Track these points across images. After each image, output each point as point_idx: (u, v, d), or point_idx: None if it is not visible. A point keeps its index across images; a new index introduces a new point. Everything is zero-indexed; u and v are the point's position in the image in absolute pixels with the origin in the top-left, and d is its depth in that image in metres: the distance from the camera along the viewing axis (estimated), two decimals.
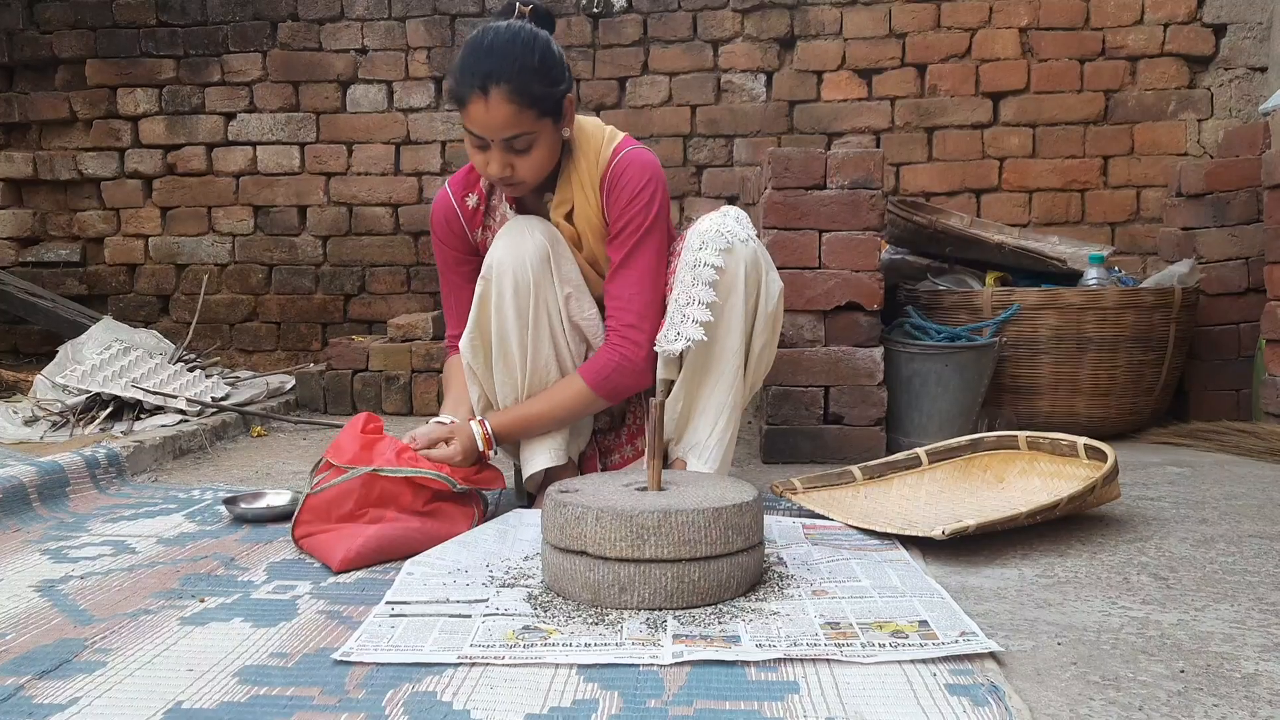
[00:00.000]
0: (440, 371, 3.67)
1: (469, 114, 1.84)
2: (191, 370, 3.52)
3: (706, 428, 1.98)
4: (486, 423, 1.97)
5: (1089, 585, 1.63)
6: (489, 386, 2.03)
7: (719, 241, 1.90)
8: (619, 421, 2.20)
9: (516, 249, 1.92)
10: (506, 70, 1.80)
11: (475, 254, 2.10)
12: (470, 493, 1.95)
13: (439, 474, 1.86)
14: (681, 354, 1.94)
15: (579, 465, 2.14)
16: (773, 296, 1.97)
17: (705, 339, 1.90)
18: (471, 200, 2.10)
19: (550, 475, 2.03)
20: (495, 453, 2.00)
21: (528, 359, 1.96)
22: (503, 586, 1.58)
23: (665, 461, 2.03)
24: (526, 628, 1.40)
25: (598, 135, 2.01)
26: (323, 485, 1.83)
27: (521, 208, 2.07)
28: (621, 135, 2.04)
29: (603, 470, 2.15)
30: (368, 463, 1.85)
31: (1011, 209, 4.08)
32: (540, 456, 2.02)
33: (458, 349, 2.07)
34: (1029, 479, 2.18)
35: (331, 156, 4.42)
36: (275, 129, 4.44)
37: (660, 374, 1.99)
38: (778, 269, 2.05)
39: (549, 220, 2.02)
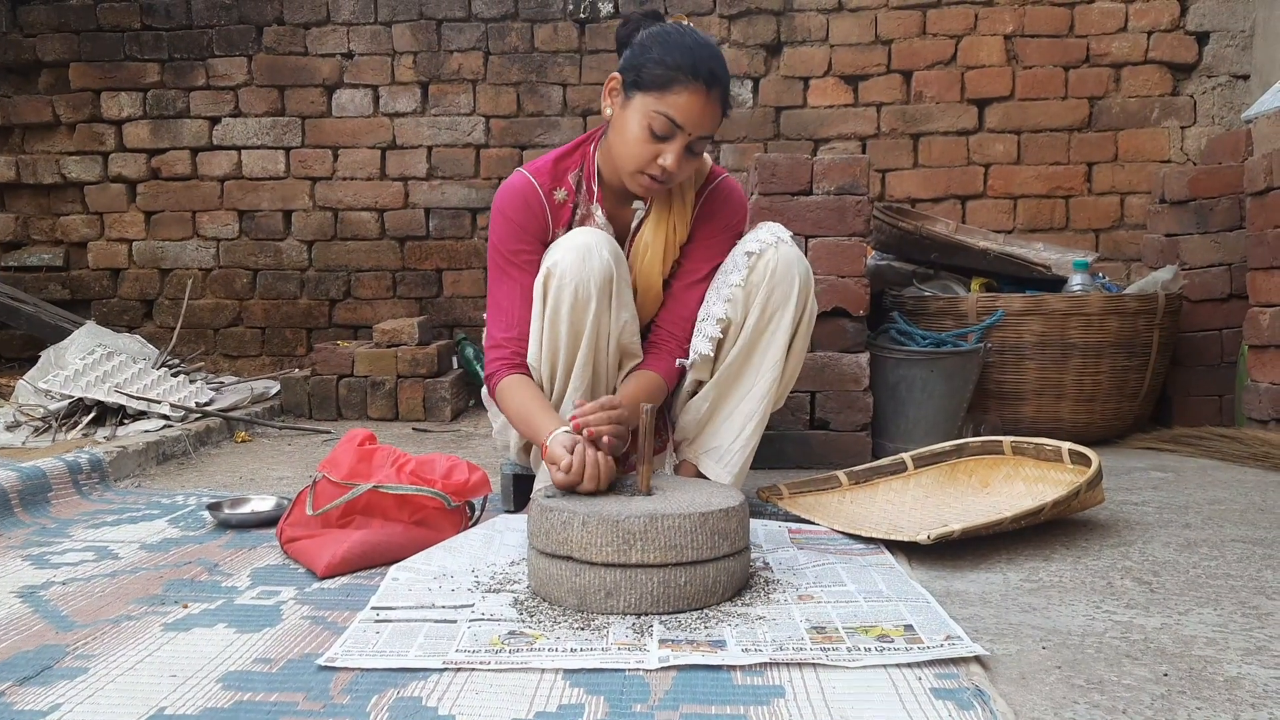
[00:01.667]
0: (428, 376, 3.68)
1: (679, 100, 1.79)
2: (175, 375, 3.50)
3: (732, 433, 1.97)
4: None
5: (1073, 589, 1.63)
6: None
7: (755, 246, 1.92)
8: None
9: (583, 263, 1.84)
10: (726, 73, 1.84)
11: (542, 245, 1.99)
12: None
13: (435, 491, 1.85)
14: (716, 355, 1.95)
15: None
16: (813, 315, 2.00)
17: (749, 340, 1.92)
18: (559, 194, 1.99)
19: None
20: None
21: (571, 375, 1.91)
22: (488, 592, 1.57)
23: (677, 464, 2.04)
24: (512, 633, 1.39)
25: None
26: (324, 508, 1.82)
27: (606, 209, 2.01)
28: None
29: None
30: (366, 477, 1.84)
31: (996, 215, 4.10)
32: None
33: (517, 358, 1.92)
34: (1014, 484, 2.19)
35: (317, 161, 4.41)
36: (260, 133, 4.42)
37: (692, 375, 1.99)
38: None
39: (615, 235, 2.00)
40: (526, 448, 2.07)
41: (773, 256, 1.90)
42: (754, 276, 1.91)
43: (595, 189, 1.99)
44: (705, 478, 1.95)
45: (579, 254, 1.85)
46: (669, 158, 1.81)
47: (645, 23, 1.89)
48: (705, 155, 2.04)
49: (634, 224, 2.02)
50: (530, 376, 1.91)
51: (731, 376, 1.97)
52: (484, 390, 2.08)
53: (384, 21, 4.33)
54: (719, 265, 1.99)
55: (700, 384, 1.98)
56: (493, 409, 2.09)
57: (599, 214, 1.99)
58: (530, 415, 1.83)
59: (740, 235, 2.01)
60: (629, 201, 2.01)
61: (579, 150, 2.02)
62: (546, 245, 1.97)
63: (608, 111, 1.90)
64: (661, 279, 2.00)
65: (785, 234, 1.95)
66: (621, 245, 1.99)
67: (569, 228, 1.99)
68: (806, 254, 2.73)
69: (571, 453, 1.62)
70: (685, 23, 1.90)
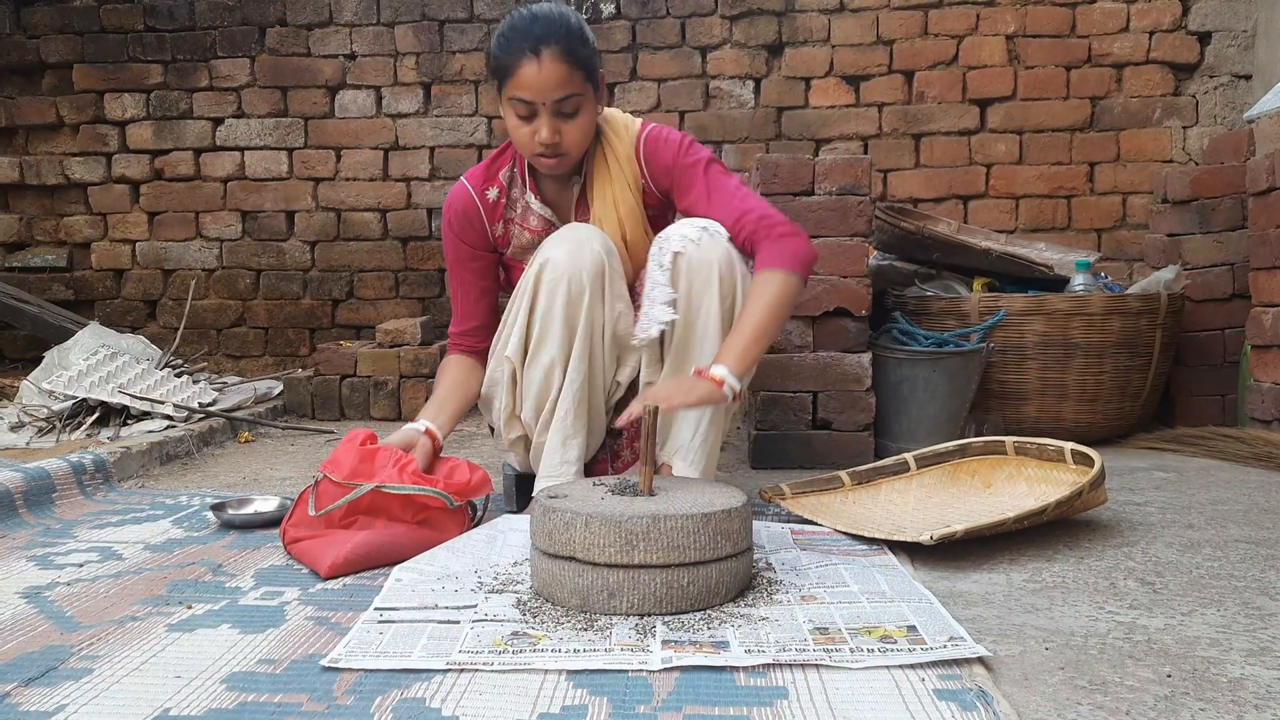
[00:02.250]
0: (431, 376, 3.68)
1: (519, 78, 1.87)
2: (179, 376, 3.50)
3: (689, 430, 1.98)
4: (725, 368, 1.78)
5: (1076, 590, 1.63)
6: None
7: (678, 244, 1.92)
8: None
9: (576, 257, 1.89)
10: (556, 31, 1.87)
11: (491, 249, 2.12)
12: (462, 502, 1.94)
13: (438, 491, 1.85)
14: (662, 356, 1.97)
15: (593, 460, 2.14)
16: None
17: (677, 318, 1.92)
18: (492, 193, 2.08)
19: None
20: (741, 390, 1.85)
21: (567, 369, 1.93)
22: (491, 592, 1.57)
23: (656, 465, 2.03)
24: (515, 634, 1.39)
25: (621, 117, 2.09)
26: (327, 509, 1.82)
27: (545, 196, 2.07)
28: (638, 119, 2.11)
29: (613, 473, 2.14)
30: (369, 477, 1.84)
31: (998, 215, 4.10)
32: (560, 469, 1.98)
33: (460, 348, 2.15)
34: (1016, 484, 2.19)
35: (320, 162, 4.41)
36: (263, 134, 4.43)
37: (644, 377, 2.00)
38: None
39: (559, 216, 2.07)
40: (526, 448, 2.08)
41: (693, 251, 1.91)
42: (675, 273, 1.92)
43: (529, 179, 2.07)
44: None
45: (571, 247, 1.90)
46: (542, 131, 1.90)
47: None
48: (623, 115, 2.09)
49: (574, 199, 2.07)
50: (472, 360, 2.14)
51: (675, 373, 1.97)
52: (481, 391, 2.10)
53: (386, 23, 4.33)
54: (709, 180, 2.00)
55: (652, 385, 2.00)
56: (491, 411, 2.11)
57: (534, 201, 2.07)
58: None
59: (696, 162, 2.00)
60: (566, 183, 2.07)
61: (509, 148, 2.10)
62: (489, 243, 2.11)
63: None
64: (624, 241, 2.04)
65: (710, 229, 1.93)
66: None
67: (504, 222, 2.09)
68: None
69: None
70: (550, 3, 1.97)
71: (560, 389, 1.95)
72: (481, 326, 2.14)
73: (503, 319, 2.05)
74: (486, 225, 2.09)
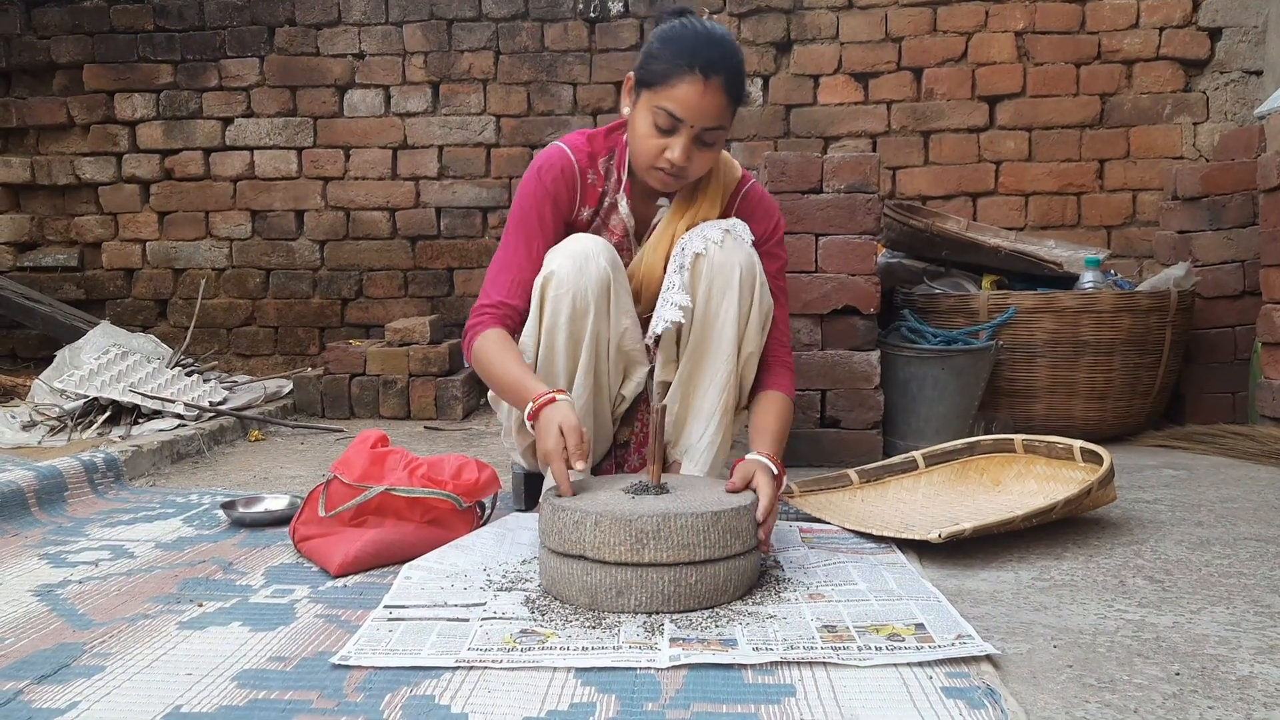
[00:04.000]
0: (440, 375, 3.69)
1: (677, 92, 1.79)
2: (189, 375, 3.52)
3: (699, 431, 1.98)
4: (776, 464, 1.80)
5: (1085, 588, 1.63)
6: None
7: (699, 245, 1.91)
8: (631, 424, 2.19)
9: (581, 272, 1.86)
10: (730, 63, 1.81)
11: (565, 223, 2.01)
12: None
13: (447, 493, 1.85)
14: (678, 356, 1.96)
15: (598, 469, 2.15)
16: (765, 308, 1.97)
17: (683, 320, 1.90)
18: (590, 177, 2.01)
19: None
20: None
21: (574, 383, 1.92)
22: (500, 590, 1.58)
23: (665, 464, 2.03)
24: (524, 631, 1.40)
25: (725, 158, 2.05)
26: (336, 510, 1.83)
27: (633, 204, 2.02)
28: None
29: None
30: (379, 479, 1.85)
31: (1008, 212, 4.09)
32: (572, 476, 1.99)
33: (508, 321, 1.91)
34: (1025, 482, 2.19)
35: (329, 161, 4.43)
36: (273, 134, 4.44)
37: (658, 376, 2.00)
38: None
39: (636, 229, 2.03)
40: (534, 453, 2.08)
41: (715, 253, 1.90)
42: (694, 274, 1.91)
43: (624, 179, 2.00)
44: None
45: (576, 261, 1.87)
46: (675, 151, 1.83)
47: (666, 19, 1.90)
48: (731, 159, 2.06)
49: (654, 220, 2.03)
50: (506, 339, 1.88)
51: (691, 374, 1.97)
52: (490, 392, 2.07)
53: (395, 22, 4.34)
54: (776, 269, 2.04)
55: (668, 385, 2.00)
56: (502, 409, 2.09)
57: (624, 204, 2.01)
58: (519, 376, 1.80)
59: (775, 258, 2.04)
60: (654, 198, 2.02)
61: (612, 136, 2.03)
62: (570, 216, 2.00)
63: (625, 111, 1.93)
64: (664, 272, 1.99)
65: (734, 231, 1.93)
66: (641, 241, 2.03)
67: (596, 211, 2.01)
68: (817, 253, 2.73)
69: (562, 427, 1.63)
70: (704, 16, 1.90)
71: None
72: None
73: None
74: (577, 200, 2.01)
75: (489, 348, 1.87)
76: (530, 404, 1.71)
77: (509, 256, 1.96)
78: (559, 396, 1.70)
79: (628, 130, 1.93)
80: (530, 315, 1.92)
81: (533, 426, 1.71)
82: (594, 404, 1.97)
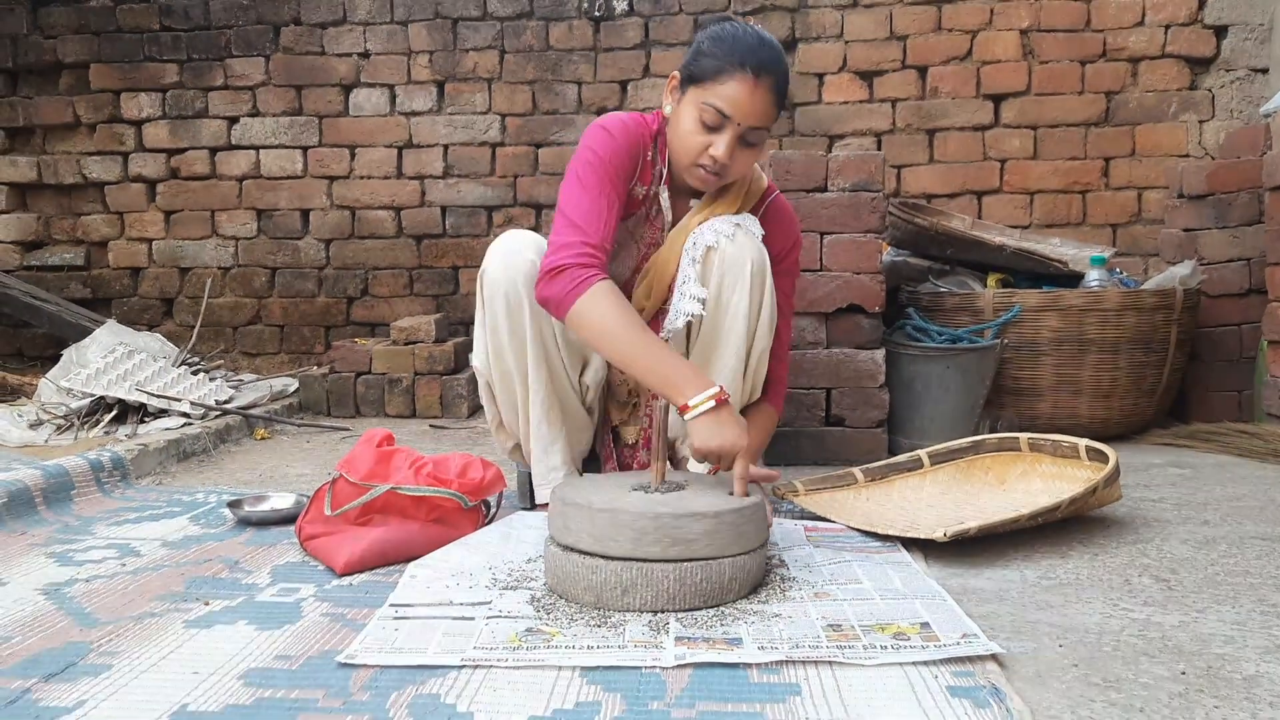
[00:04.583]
0: (445, 374, 3.70)
1: (726, 89, 1.79)
2: (195, 373, 3.52)
3: None
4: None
5: (1090, 587, 1.63)
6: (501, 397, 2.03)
7: (710, 238, 1.91)
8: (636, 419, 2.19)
9: (508, 267, 1.90)
10: (779, 65, 1.83)
11: (626, 192, 1.94)
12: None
13: (452, 492, 1.86)
14: (688, 349, 1.97)
15: (600, 468, 2.16)
16: (773, 308, 1.98)
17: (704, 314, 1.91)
18: (650, 154, 1.99)
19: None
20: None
21: (527, 379, 1.95)
22: (505, 589, 1.58)
23: (673, 459, 2.03)
24: (529, 630, 1.40)
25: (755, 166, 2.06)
26: (342, 509, 1.83)
27: (673, 202, 2.02)
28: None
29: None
30: (384, 478, 1.86)
31: (1013, 211, 4.08)
32: (549, 476, 2.01)
33: (602, 266, 1.79)
34: (1030, 481, 2.19)
35: (334, 160, 4.43)
36: (278, 133, 4.45)
37: None
38: None
39: (671, 224, 2.02)
40: (517, 448, 2.10)
41: (726, 247, 1.90)
42: (706, 267, 1.91)
43: (665, 171, 2.00)
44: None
45: (502, 257, 1.91)
46: (720, 147, 1.82)
47: (711, 24, 1.91)
48: (760, 172, 2.06)
49: (684, 212, 2.03)
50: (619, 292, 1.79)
51: (699, 367, 1.97)
52: (480, 388, 2.07)
53: (400, 21, 4.35)
54: (788, 285, 2.08)
55: None
56: (490, 406, 2.09)
57: (664, 195, 2.01)
58: (664, 358, 1.73)
59: (789, 276, 2.08)
60: (688, 198, 2.02)
61: (653, 125, 1.99)
62: (628, 184, 1.94)
63: (667, 109, 1.93)
64: (676, 267, 1.98)
65: (745, 225, 1.93)
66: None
67: (647, 191, 1.99)
68: (822, 251, 2.73)
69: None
70: (752, 24, 1.92)
71: (526, 400, 1.97)
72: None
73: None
74: (637, 169, 1.96)
75: (613, 313, 1.75)
76: (703, 397, 1.66)
77: (593, 200, 1.84)
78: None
79: (670, 127, 1.93)
80: (476, 316, 1.96)
81: (694, 419, 1.67)
82: (557, 395, 1.99)
